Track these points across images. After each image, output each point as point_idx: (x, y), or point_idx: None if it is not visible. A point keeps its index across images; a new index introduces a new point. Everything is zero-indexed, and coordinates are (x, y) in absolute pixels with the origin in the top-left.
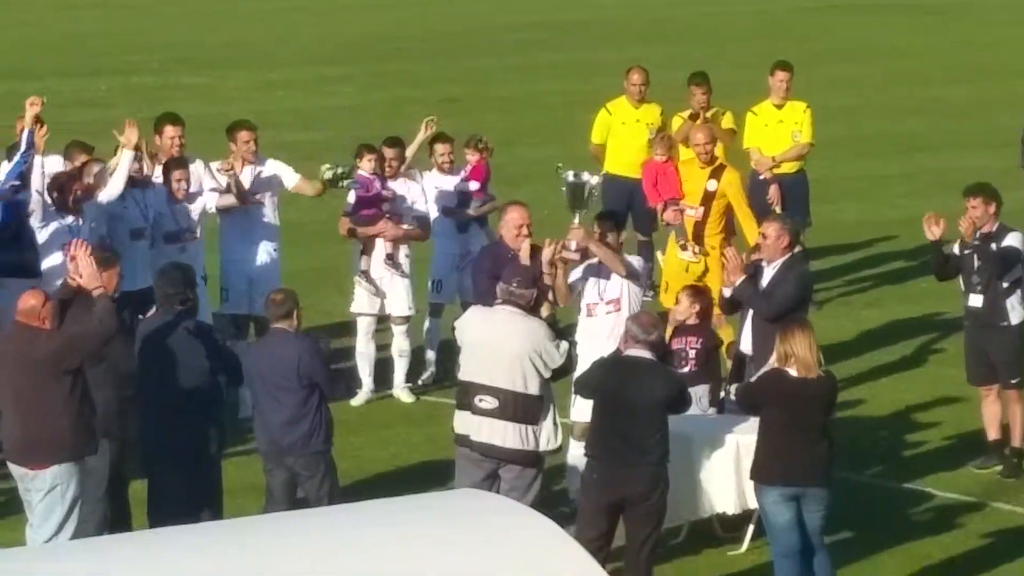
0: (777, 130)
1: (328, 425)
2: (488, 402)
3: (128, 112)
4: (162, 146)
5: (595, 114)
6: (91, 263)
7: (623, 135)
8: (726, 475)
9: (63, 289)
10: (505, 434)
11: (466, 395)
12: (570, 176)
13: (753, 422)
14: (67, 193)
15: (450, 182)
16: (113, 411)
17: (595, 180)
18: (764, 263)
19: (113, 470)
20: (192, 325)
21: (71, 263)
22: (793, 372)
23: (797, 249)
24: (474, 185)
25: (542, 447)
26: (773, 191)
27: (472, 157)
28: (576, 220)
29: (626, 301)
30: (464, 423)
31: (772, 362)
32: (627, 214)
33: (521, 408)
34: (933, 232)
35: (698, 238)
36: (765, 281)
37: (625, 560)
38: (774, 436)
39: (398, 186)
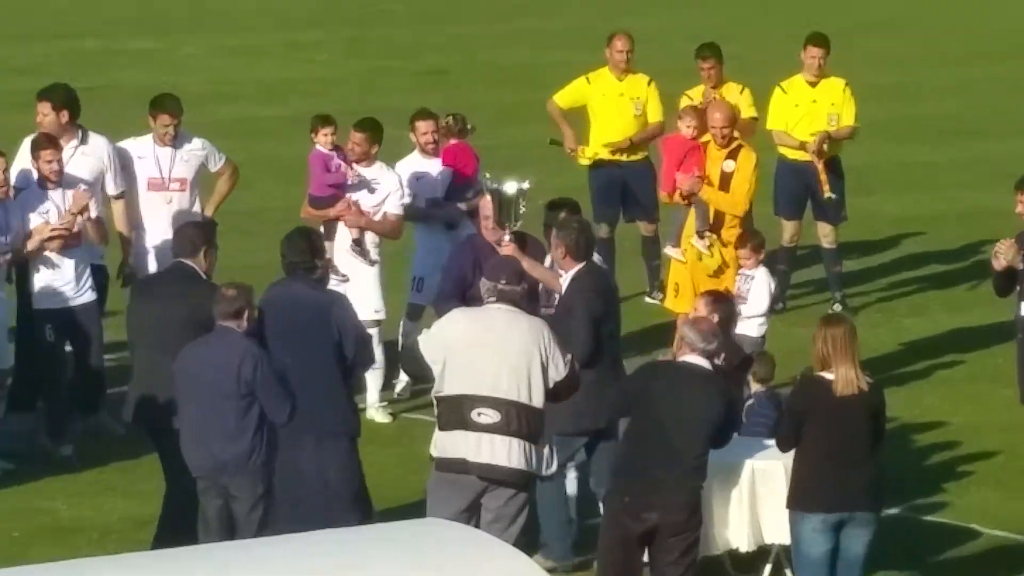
0: (810, 111)
1: (270, 442)
2: (488, 415)
3: (69, 78)
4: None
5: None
6: None
7: (605, 111)
8: (739, 506)
9: None
10: (510, 451)
11: (456, 410)
12: (491, 184)
13: (768, 445)
14: None
15: (434, 166)
16: None
17: (524, 187)
18: None
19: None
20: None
21: None
22: (830, 376)
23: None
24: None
25: (542, 470)
26: (812, 143)
27: (447, 139)
28: (506, 237)
29: None
30: (455, 444)
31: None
32: (619, 204)
33: (525, 421)
34: (1000, 263)
35: (714, 228)
36: None
37: None
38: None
39: (369, 173)
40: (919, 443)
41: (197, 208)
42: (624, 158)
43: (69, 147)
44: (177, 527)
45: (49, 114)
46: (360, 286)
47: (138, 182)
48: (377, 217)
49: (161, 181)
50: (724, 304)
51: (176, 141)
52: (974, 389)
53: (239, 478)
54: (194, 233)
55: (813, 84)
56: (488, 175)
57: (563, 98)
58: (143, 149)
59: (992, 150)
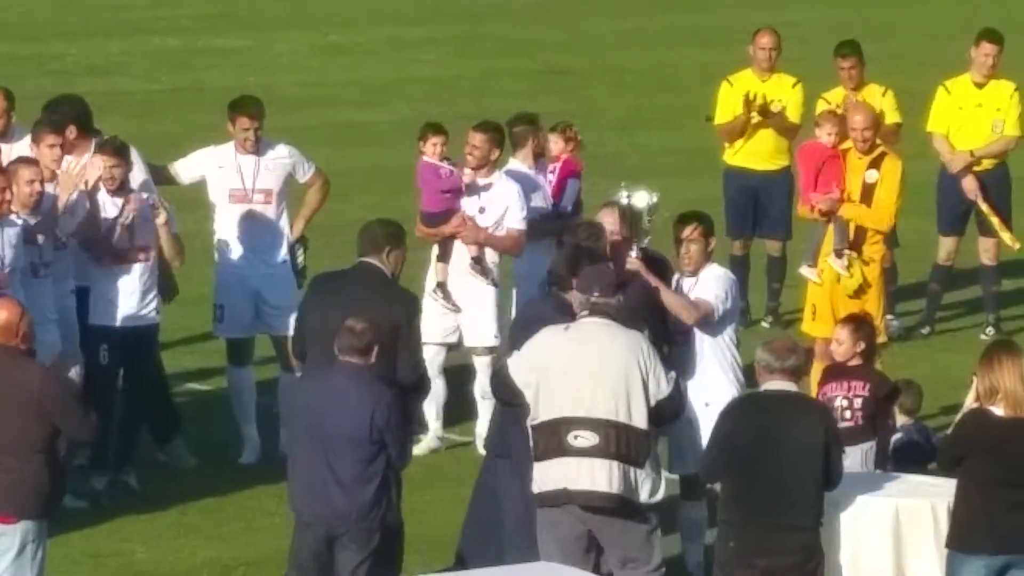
0: (974, 115)
1: (395, 494)
2: (586, 438)
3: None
4: None
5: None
6: None
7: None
8: (881, 550)
9: None
10: (610, 476)
11: (552, 436)
12: (622, 199)
13: (915, 482)
14: None
15: (539, 176)
16: None
17: (653, 200)
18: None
19: None
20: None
21: None
22: (999, 411)
23: None
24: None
25: (643, 497)
26: (970, 183)
27: (558, 147)
28: (633, 254)
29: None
30: (554, 473)
31: (970, 402)
32: (751, 217)
33: (626, 443)
34: None
35: (855, 245)
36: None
37: None
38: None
39: (486, 183)
40: None
41: (284, 222)
42: (759, 167)
43: (82, 161)
44: None
45: None
46: (478, 309)
47: (218, 194)
48: (497, 232)
49: (244, 192)
50: (867, 329)
51: (259, 148)
52: None
53: (355, 531)
54: (378, 231)
55: (980, 85)
56: (623, 184)
57: (721, 118)
58: (224, 158)
59: None
